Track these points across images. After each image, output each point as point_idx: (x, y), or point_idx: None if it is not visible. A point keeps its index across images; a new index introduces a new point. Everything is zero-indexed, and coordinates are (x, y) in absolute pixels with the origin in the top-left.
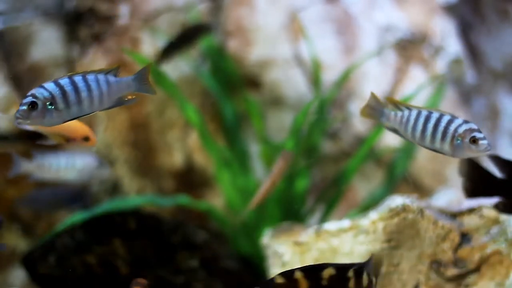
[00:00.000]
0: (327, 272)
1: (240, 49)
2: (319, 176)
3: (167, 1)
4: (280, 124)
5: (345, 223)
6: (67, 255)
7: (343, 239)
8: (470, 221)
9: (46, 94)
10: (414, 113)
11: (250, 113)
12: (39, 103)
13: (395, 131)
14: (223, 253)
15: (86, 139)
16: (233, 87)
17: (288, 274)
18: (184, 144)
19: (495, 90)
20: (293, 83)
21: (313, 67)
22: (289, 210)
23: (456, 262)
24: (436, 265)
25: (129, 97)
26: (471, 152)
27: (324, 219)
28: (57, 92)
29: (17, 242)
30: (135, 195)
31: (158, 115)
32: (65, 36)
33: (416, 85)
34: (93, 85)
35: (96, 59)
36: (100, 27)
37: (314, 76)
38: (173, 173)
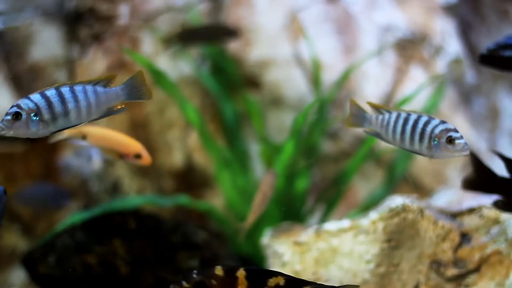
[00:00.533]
0: (275, 281)
1: (240, 49)
2: (319, 176)
3: (167, 1)
4: (280, 124)
5: (345, 223)
6: (67, 255)
7: (343, 239)
8: (470, 221)
9: (31, 105)
10: (393, 115)
11: (250, 113)
12: (23, 113)
13: (377, 135)
14: (223, 253)
15: (138, 156)
16: (233, 87)
17: (230, 269)
18: (184, 144)
19: (495, 90)
20: (293, 83)
21: (313, 67)
22: (289, 210)
23: (456, 262)
24: (436, 265)
25: (119, 106)
26: (448, 152)
27: (324, 219)
28: (43, 103)
29: (17, 242)
30: (135, 195)
31: (158, 115)
32: (65, 36)
33: (416, 85)
34: (81, 96)
35: (96, 59)
36: (100, 27)
37: (314, 76)
38: (173, 173)
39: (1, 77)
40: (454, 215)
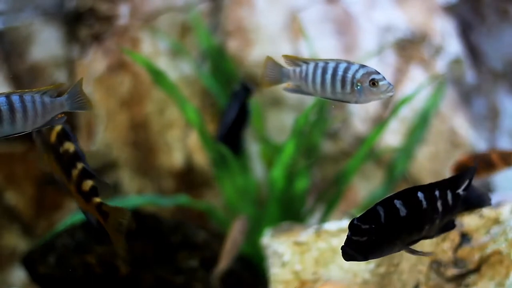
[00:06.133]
0: (68, 146)
1: (240, 49)
2: (319, 176)
3: (167, 1)
4: (280, 124)
5: (345, 223)
6: (67, 255)
7: (343, 239)
8: (470, 221)
9: None
10: (311, 66)
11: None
12: None
13: (298, 90)
14: None
15: None
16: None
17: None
18: (184, 144)
19: (495, 90)
20: None
21: None
22: (289, 210)
23: (456, 262)
24: (436, 265)
25: (59, 116)
26: (373, 95)
27: (324, 219)
28: None
29: (17, 242)
30: (135, 195)
31: (158, 115)
32: (65, 36)
33: (416, 85)
34: (29, 106)
35: (96, 59)
36: (100, 27)
37: None
38: (173, 173)
39: (1, 77)
40: None
